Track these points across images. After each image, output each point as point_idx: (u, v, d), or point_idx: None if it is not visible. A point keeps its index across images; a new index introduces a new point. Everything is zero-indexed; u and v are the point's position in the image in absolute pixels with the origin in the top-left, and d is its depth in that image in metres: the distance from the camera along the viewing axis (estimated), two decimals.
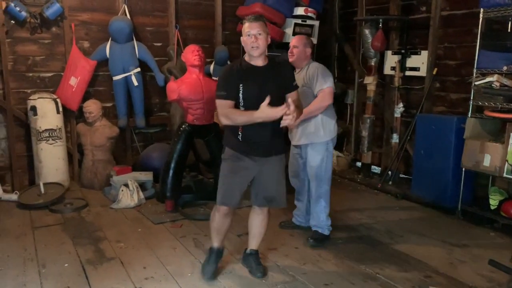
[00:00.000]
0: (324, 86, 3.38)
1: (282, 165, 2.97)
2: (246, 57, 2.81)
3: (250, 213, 3.07)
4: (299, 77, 3.49)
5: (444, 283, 2.97)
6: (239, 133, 2.78)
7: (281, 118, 2.66)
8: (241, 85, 2.71)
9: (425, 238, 3.71)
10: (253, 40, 2.68)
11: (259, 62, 2.78)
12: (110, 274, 3.01)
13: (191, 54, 4.16)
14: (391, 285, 2.93)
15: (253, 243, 3.10)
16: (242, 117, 2.68)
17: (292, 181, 3.80)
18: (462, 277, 3.04)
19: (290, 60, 3.53)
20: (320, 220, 3.58)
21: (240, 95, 2.71)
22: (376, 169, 5.59)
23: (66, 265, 3.14)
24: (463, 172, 4.09)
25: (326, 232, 3.60)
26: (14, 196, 4.44)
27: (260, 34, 2.69)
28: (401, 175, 5.20)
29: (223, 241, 3.06)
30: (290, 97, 2.80)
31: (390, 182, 5.06)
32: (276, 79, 2.81)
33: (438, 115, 4.71)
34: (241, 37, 2.77)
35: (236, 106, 2.73)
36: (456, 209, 4.15)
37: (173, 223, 3.96)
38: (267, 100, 2.55)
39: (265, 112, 2.57)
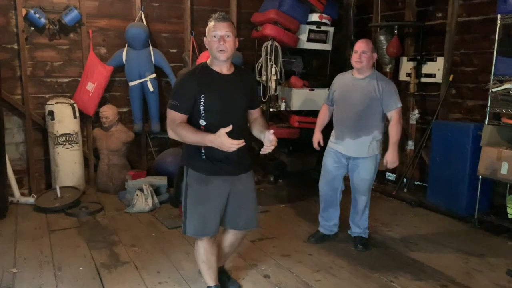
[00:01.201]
0: (399, 105, 3.37)
1: (253, 181, 2.72)
2: (209, 62, 2.49)
3: (224, 233, 2.77)
4: (367, 86, 3.34)
5: None
6: (202, 151, 2.45)
7: (247, 132, 2.54)
8: (202, 95, 2.37)
9: (440, 247, 3.66)
10: (221, 42, 2.36)
11: (224, 69, 2.46)
12: (124, 278, 3.04)
13: None
14: None
15: (222, 261, 2.87)
16: (192, 137, 2.34)
17: (324, 190, 3.63)
18: (478, 287, 2.99)
19: (358, 67, 3.36)
20: (366, 227, 3.66)
21: (201, 107, 2.38)
22: (391, 176, 5.54)
23: (81, 268, 3.18)
24: (480, 180, 4.02)
25: (367, 235, 3.69)
26: (31, 199, 4.51)
27: (228, 36, 2.37)
28: (416, 183, 5.14)
29: (217, 276, 2.73)
30: (253, 114, 2.64)
31: (405, 190, 5.01)
32: (243, 91, 2.51)
33: (454, 122, 4.66)
34: (204, 38, 2.45)
35: (197, 119, 2.42)
36: (473, 217, 4.08)
37: None
38: (230, 127, 2.23)
39: (222, 140, 2.22)
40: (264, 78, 5.16)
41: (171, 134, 2.42)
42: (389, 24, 5.09)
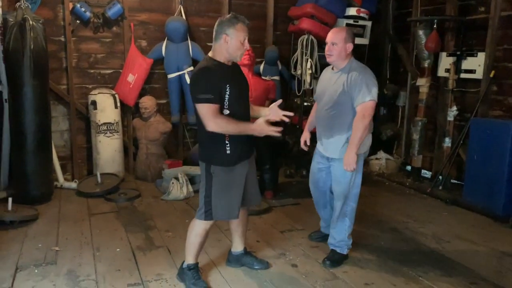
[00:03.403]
0: (366, 99, 2.85)
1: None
2: (212, 55, 2.61)
3: None
4: (338, 80, 2.99)
5: None
6: (226, 142, 2.57)
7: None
8: (228, 85, 2.50)
9: (474, 245, 3.59)
10: (247, 48, 2.61)
11: (229, 62, 2.62)
12: (158, 261, 3.17)
13: None
14: None
15: (242, 242, 3.09)
16: (237, 127, 2.50)
17: (312, 191, 3.44)
18: (510, 286, 2.93)
19: (329, 60, 3.03)
20: (341, 240, 3.19)
21: (226, 97, 2.50)
22: (426, 173, 5.45)
23: (118, 250, 3.34)
24: None
25: (345, 252, 3.22)
26: (73, 185, 4.74)
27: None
28: (453, 181, 5.03)
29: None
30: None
31: (440, 187, 4.91)
32: (244, 80, 2.73)
33: (494, 119, 4.53)
34: (227, 36, 2.53)
35: (220, 109, 2.51)
36: (510, 217, 3.97)
37: None
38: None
39: (263, 127, 2.51)
40: (299, 72, 5.19)
41: (213, 127, 2.48)
42: (428, 18, 4.99)
